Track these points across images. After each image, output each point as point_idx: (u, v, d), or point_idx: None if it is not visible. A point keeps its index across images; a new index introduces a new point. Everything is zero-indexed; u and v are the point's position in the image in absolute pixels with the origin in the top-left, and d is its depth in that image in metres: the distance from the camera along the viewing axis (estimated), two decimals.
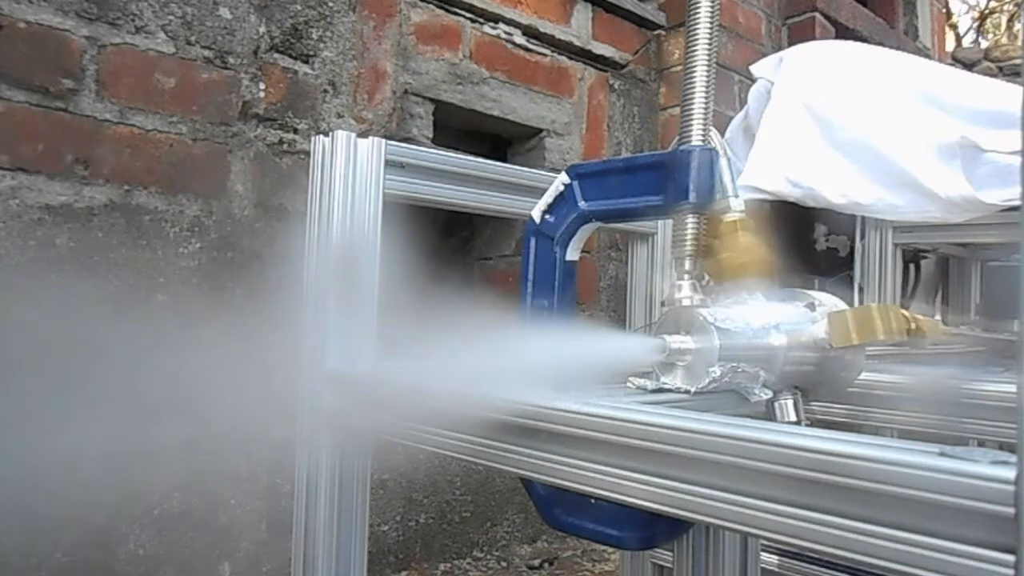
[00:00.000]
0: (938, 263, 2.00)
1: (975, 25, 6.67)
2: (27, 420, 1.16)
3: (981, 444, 0.70)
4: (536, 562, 1.76)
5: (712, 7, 0.60)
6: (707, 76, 0.59)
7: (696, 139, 0.58)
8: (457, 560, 1.71)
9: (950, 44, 5.15)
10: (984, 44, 5.92)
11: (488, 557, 1.75)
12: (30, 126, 1.17)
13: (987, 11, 6.59)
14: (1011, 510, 0.30)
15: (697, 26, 0.60)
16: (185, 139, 1.33)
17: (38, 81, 1.17)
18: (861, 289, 1.65)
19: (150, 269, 1.28)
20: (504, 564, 1.74)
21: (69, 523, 1.20)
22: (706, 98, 0.59)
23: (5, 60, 1.14)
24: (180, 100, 1.32)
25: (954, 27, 6.22)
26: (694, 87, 0.59)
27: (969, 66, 3.36)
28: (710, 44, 0.60)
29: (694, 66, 0.59)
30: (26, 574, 1.16)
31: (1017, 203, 1.13)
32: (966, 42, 6.29)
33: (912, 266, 1.92)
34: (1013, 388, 0.31)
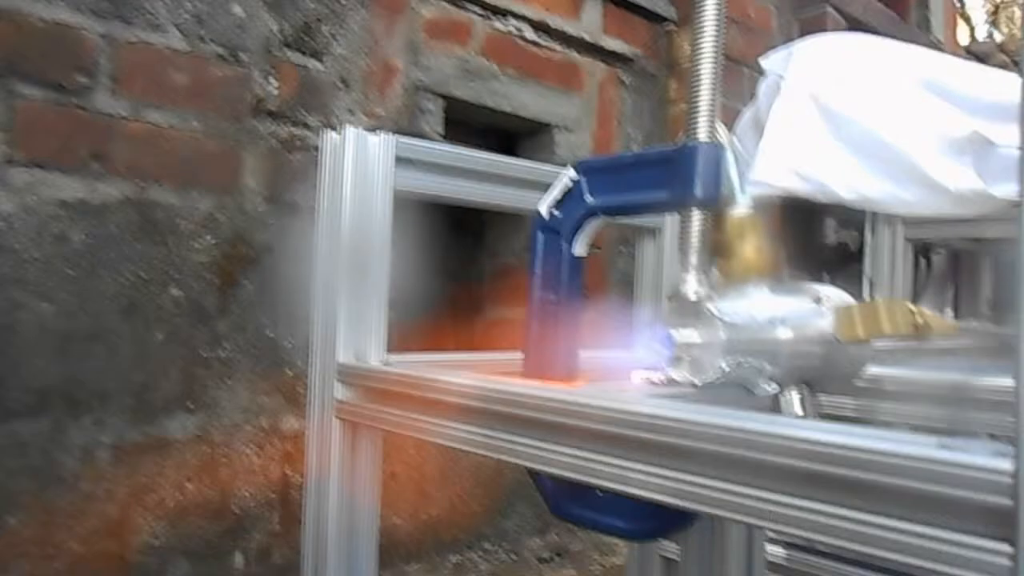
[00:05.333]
0: (949, 258, 1.99)
1: (989, 18, 6.61)
2: (43, 409, 1.18)
3: (993, 438, 0.70)
4: (546, 554, 1.77)
5: (719, 1, 0.60)
6: (714, 71, 0.59)
7: (702, 134, 0.59)
8: (467, 552, 1.72)
9: (964, 37, 5.11)
10: (998, 37, 5.87)
11: (498, 549, 1.76)
12: (46, 122, 1.18)
13: (1001, 4, 6.53)
14: (1009, 501, 0.30)
15: (704, 20, 0.60)
16: (198, 135, 1.34)
17: (54, 78, 1.19)
18: (871, 284, 1.65)
19: (163, 263, 1.29)
20: (514, 556, 1.75)
21: (84, 513, 1.22)
22: (713, 93, 0.60)
23: (22, 58, 1.16)
24: (193, 96, 1.33)
25: (967, 20, 6.17)
26: (701, 82, 0.59)
27: (983, 59, 3.33)
28: (717, 38, 0.60)
29: (701, 61, 0.59)
30: (42, 564, 1.18)
31: None
32: (980, 35, 6.24)
33: (923, 261, 1.91)
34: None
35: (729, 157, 0.60)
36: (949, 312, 1.95)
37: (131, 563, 1.26)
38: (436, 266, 1.85)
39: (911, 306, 0.59)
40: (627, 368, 0.62)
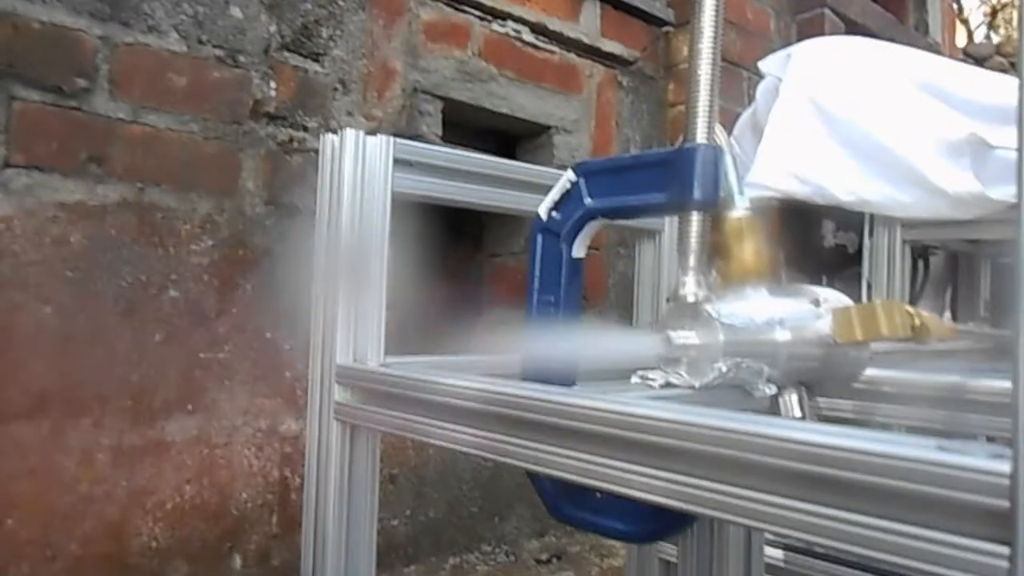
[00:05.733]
0: (947, 260, 1.99)
1: (986, 20, 6.63)
2: (43, 410, 1.18)
3: (991, 440, 0.70)
4: (544, 556, 1.77)
5: (717, 4, 0.60)
6: (712, 73, 0.60)
7: (701, 137, 0.59)
8: (466, 554, 1.72)
9: (962, 39, 5.12)
10: (996, 39, 5.88)
11: (497, 551, 1.76)
12: (45, 125, 1.18)
13: (999, 5, 6.54)
14: (1006, 503, 0.30)
15: (702, 23, 0.60)
16: (197, 137, 1.34)
17: (52, 80, 1.19)
18: (869, 286, 1.65)
19: (162, 266, 1.29)
20: (512, 558, 1.75)
21: (83, 515, 1.22)
22: (711, 95, 0.60)
23: (20, 60, 1.16)
24: (192, 99, 1.33)
25: (965, 22, 6.18)
26: (699, 84, 0.59)
27: (980, 61, 3.34)
28: (715, 41, 0.60)
29: (699, 63, 0.60)
30: (42, 565, 1.18)
31: None
32: (978, 37, 6.25)
33: (921, 263, 1.92)
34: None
35: (727, 159, 0.60)
36: (947, 314, 1.95)
37: (130, 565, 1.26)
38: (435, 268, 1.85)
39: (909, 308, 0.59)
40: (626, 370, 0.62)
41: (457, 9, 1.72)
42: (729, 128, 1.48)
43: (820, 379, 0.62)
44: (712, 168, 0.59)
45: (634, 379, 0.61)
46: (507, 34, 1.81)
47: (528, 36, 1.85)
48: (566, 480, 0.50)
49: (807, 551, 0.90)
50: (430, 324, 1.51)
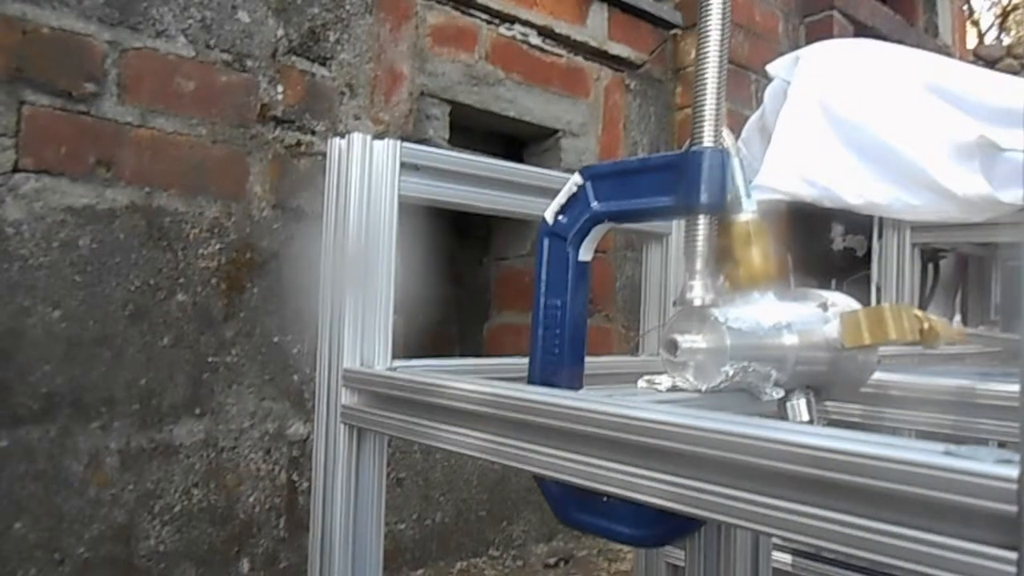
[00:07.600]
0: (957, 263, 1.98)
1: (997, 21, 6.60)
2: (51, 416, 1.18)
3: (1003, 446, 0.70)
4: (552, 561, 1.77)
5: (723, 6, 0.60)
6: (718, 76, 0.59)
7: (708, 140, 0.59)
8: (473, 558, 1.71)
9: (972, 41, 5.10)
10: (1007, 41, 5.85)
11: (504, 555, 1.76)
12: (54, 129, 1.19)
13: (1010, 7, 6.52)
14: (1013, 508, 0.30)
15: (708, 26, 0.60)
16: (205, 141, 1.34)
17: (62, 85, 1.20)
18: (878, 289, 1.64)
19: (170, 269, 1.30)
20: (520, 563, 1.75)
21: (91, 519, 1.22)
22: (718, 98, 0.59)
23: (30, 65, 1.16)
24: (200, 103, 1.34)
25: (976, 24, 6.16)
26: (705, 87, 0.59)
27: (991, 63, 3.32)
28: (721, 44, 0.60)
29: (705, 66, 0.59)
30: (50, 568, 1.18)
31: None
32: (988, 39, 6.23)
33: (931, 266, 1.91)
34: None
35: (735, 163, 0.60)
36: (957, 318, 1.94)
37: (138, 568, 1.27)
38: (442, 271, 1.85)
39: (917, 312, 0.59)
40: (633, 374, 0.62)
41: (464, 12, 1.72)
42: (737, 131, 1.47)
43: (828, 383, 0.62)
44: (719, 171, 0.59)
45: (641, 383, 0.60)
46: (514, 37, 1.81)
47: (535, 39, 1.85)
48: (573, 484, 0.50)
49: (815, 555, 0.89)
50: (437, 327, 1.51)
